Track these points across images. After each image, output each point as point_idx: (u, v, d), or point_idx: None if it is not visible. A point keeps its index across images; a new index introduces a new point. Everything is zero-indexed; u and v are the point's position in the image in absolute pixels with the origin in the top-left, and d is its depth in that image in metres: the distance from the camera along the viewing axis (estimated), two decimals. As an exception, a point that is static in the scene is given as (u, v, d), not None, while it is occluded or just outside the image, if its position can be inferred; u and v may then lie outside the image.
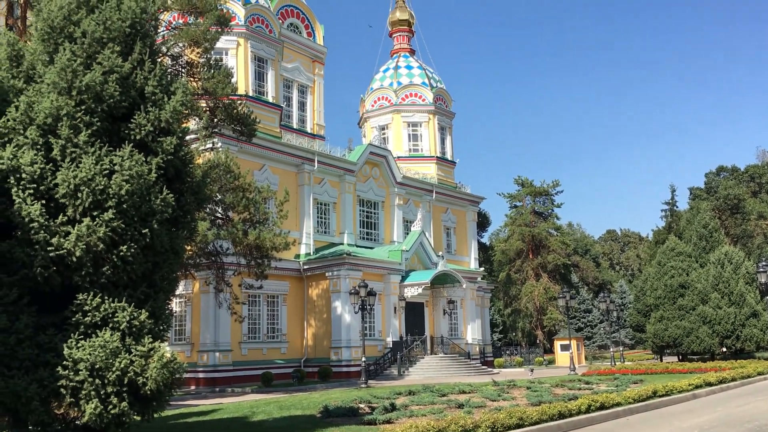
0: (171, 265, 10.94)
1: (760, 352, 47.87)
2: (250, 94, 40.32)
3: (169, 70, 24.69)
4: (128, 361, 9.56)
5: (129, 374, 9.55)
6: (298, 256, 40.24)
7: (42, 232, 9.60)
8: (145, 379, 9.61)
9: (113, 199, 9.90)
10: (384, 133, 54.44)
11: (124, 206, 9.98)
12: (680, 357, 47.54)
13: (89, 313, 9.82)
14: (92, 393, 9.42)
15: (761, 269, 32.81)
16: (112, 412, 9.47)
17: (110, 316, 9.89)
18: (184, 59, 28.38)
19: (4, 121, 10.24)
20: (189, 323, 36.46)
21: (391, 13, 60.58)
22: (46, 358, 9.52)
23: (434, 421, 12.55)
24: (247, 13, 41.16)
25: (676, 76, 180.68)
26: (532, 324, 73.69)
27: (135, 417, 10.11)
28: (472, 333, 49.00)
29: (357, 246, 43.77)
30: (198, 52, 27.92)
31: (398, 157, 51.30)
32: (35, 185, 9.84)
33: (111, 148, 10.39)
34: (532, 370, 37.57)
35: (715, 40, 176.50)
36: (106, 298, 9.92)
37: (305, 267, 40.12)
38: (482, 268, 59.35)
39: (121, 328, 9.84)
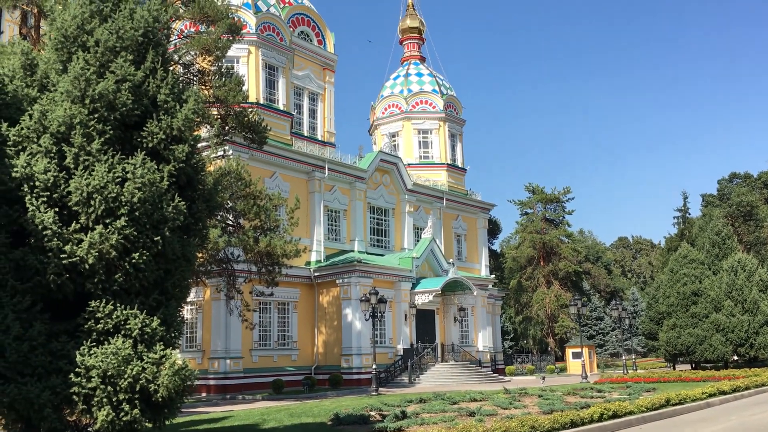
0: (183, 272, 10.96)
1: (774, 360, 47.44)
2: (261, 101, 40.50)
3: (181, 79, 24.80)
4: (140, 368, 9.58)
5: (141, 381, 9.56)
6: (308, 263, 40.28)
7: (55, 239, 9.65)
8: (156, 386, 9.62)
9: (125, 207, 9.94)
10: (394, 140, 54.51)
11: (137, 214, 10.02)
12: (693, 365, 47.19)
13: (101, 321, 9.85)
14: (104, 400, 9.44)
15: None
16: (124, 419, 9.48)
17: (122, 323, 9.91)
18: (196, 67, 28.57)
19: (18, 129, 10.31)
20: (200, 330, 36.54)
21: (402, 20, 60.75)
22: (59, 365, 9.55)
23: (445, 429, 12.51)
24: (258, 22, 41.38)
25: (688, 81, 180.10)
26: (544, 331, 73.35)
27: (146, 424, 10.12)
28: (483, 340, 48.84)
29: (367, 253, 43.78)
30: (210, 60, 28.09)
31: (409, 164, 51.34)
32: (48, 193, 9.89)
33: (123, 156, 10.44)
34: (543, 378, 37.36)
35: (730, 45, 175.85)
36: (118, 305, 9.95)
37: (316, 274, 40.15)
38: (493, 276, 59.20)
39: (133, 335, 9.86)
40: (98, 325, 9.84)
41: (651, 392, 22.99)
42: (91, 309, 9.87)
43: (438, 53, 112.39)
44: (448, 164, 54.54)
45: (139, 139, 10.72)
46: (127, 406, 9.51)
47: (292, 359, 38.89)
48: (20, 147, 10.26)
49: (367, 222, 45.92)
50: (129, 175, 10.08)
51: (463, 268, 50.72)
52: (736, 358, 44.94)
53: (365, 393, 29.55)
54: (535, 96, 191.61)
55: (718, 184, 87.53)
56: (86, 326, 9.84)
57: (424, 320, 44.02)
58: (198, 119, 18.24)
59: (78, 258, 9.68)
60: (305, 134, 45.77)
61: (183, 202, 10.63)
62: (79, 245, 9.73)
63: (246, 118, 28.53)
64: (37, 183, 9.84)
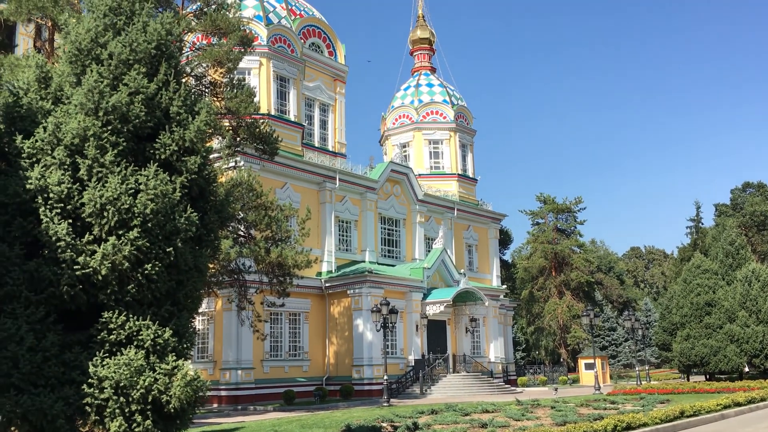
0: (195, 283, 11.00)
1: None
2: (273, 112, 40.69)
3: (193, 90, 24.99)
4: (152, 379, 9.61)
5: (153, 392, 9.58)
6: (319, 273, 40.31)
7: (68, 250, 9.72)
8: (168, 397, 9.64)
9: (138, 218, 10.00)
10: (405, 151, 54.58)
11: (149, 225, 10.07)
12: (707, 376, 46.74)
13: (114, 331, 9.89)
14: (117, 411, 9.47)
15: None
16: (137, 430, 9.50)
17: (135, 334, 9.95)
18: (208, 79, 28.78)
19: (33, 141, 10.41)
20: (211, 341, 36.58)
21: (412, 31, 60.97)
22: (72, 376, 9.59)
23: (458, 441, 12.44)
24: (270, 34, 41.65)
25: (701, 89, 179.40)
26: (556, 342, 72.91)
27: (159, 435, 10.14)
28: (495, 351, 48.61)
29: (378, 264, 43.75)
30: (221, 72, 28.28)
31: (419, 175, 51.37)
32: (62, 205, 9.97)
33: (136, 168, 10.51)
34: (556, 389, 37.12)
35: (745, 52, 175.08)
36: (130, 316, 9.99)
37: (327, 285, 40.16)
38: (504, 286, 58.98)
39: (145, 346, 9.90)
40: (111, 336, 9.89)
41: (665, 404, 22.78)
42: (103, 320, 9.92)
43: (448, 63, 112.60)
44: (458, 174, 54.53)
45: (151, 151, 10.80)
46: (140, 417, 9.54)
47: (303, 370, 38.85)
48: (34, 159, 10.36)
49: (378, 232, 45.92)
50: (142, 187, 10.15)
51: (475, 278, 50.57)
52: (747, 369, 44.48)
53: (376, 404, 29.46)
54: (547, 105, 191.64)
55: (732, 194, 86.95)
56: (99, 337, 9.89)
57: (436, 331, 43.88)
58: (210, 131, 18.34)
59: (91, 269, 9.74)
60: (316, 145, 45.92)
61: (195, 213, 10.68)
62: (93, 256, 9.79)
63: (257, 130, 28.67)
64: (51, 195, 9.92)
